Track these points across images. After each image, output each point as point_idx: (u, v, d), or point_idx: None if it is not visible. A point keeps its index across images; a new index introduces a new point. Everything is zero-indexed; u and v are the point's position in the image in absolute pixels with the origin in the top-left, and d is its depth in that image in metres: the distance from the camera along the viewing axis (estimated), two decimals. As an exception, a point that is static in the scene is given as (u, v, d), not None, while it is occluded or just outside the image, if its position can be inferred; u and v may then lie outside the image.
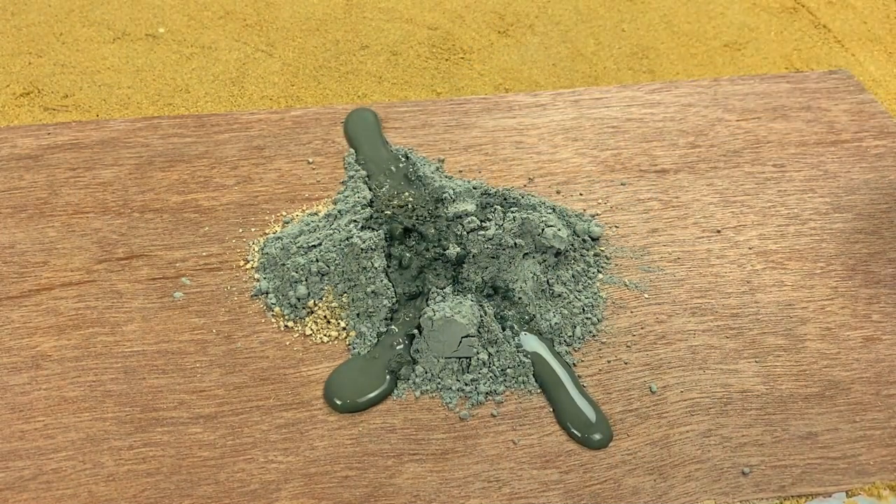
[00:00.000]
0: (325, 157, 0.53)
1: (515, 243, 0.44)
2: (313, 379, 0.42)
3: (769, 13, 0.75)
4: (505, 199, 0.48)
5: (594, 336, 0.44)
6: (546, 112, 0.57)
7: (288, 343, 0.43)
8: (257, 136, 0.54)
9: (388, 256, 0.44)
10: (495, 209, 0.46)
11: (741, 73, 0.68)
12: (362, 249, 0.43)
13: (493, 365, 0.42)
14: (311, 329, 0.43)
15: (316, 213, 0.48)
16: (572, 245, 0.46)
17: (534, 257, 0.44)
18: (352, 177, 0.50)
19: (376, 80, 0.65)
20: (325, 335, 0.43)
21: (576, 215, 0.49)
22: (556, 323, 0.44)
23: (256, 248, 0.47)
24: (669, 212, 0.51)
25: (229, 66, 0.65)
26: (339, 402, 0.40)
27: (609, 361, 0.43)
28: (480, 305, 0.43)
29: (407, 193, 0.48)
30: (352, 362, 0.42)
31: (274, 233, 0.48)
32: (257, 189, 0.50)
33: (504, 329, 0.43)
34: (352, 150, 0.53)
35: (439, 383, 0.41)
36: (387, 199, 0.47)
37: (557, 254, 0.45)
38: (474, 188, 0.49)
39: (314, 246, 0.45)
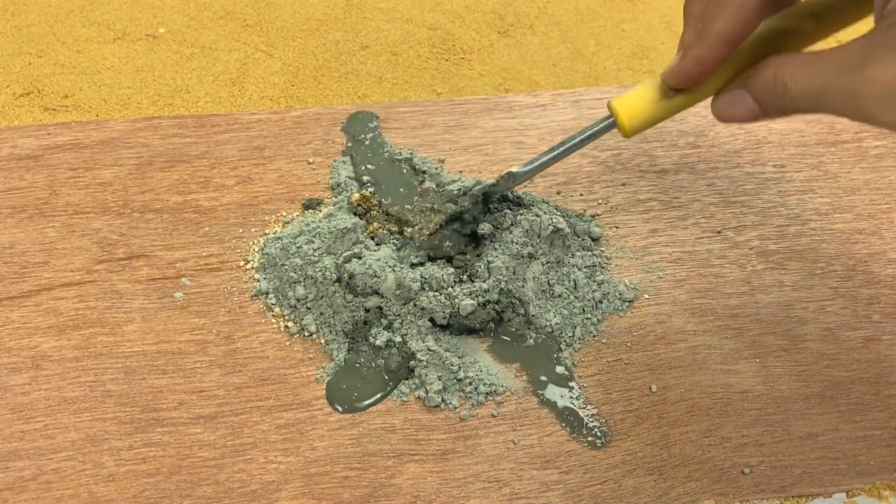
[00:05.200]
0: (325, 157, 0.52)
1: (528, 253, 0.44)
2: (313, 379, 0.42)
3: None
4: (505, 198, 0.48)
5: (594, 336, 0.44)
6: (546, 112, 0.57)
7: (288, 343, 0.43)
8: (257, 136, 0.54)
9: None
10: (505, 214, 0.45)
11: (741, 73, 0.68)
12: (325, 277, 0.43)
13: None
14: (312, 329, 0.43)
15: (316, 213, 0.48)
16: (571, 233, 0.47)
17: (537, 259, 0.45)
18: (339, 184, 0.50)
19: (376, 81, 0.65)
20: (325, 335, 0.43)
21: (576, 215, 0.49)
22: (556, 323, 0.44)
23: (256, 249, 0.47)
24: (669, 212, 0.51)
25: (229, 66, 0.65)
26: (339, 408, 0.40)
27: (609, 362, 0.43)
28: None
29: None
30: (350, 364, 0.42)
31: (274, 233, 0.48)
32: (257, 189, 0.50)
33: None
34: (345, 158, 0.52)
35: (440, 383, 0.41)
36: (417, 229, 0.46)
37: (562, 244, 0.45)
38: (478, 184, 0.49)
39: (315, 249, 0.45)
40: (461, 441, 0.40)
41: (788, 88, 0.31)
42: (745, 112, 0.34)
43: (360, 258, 0.43)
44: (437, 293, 0.42)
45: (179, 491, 0.37)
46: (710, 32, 0.33)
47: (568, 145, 0.41)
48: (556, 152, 0.42)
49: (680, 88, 0.36)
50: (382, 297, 0.42)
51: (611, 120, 0.39)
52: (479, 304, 0.42)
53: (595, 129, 0.40)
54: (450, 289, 0.43)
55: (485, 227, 0.44)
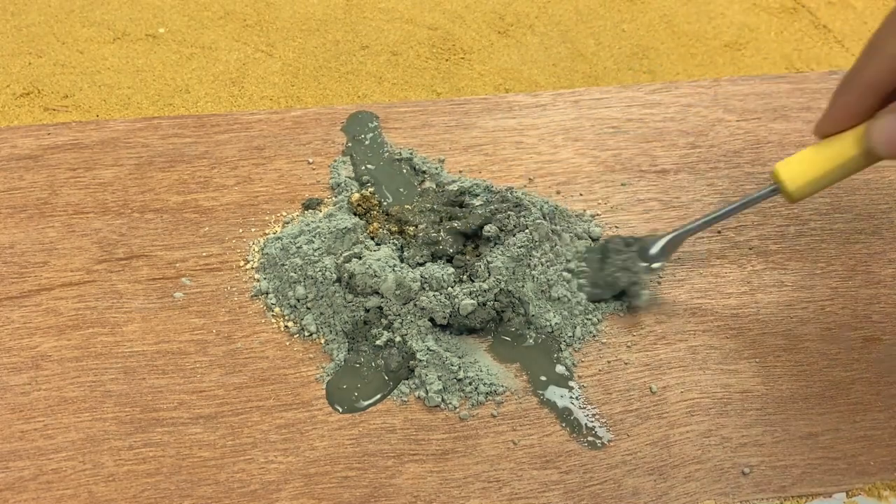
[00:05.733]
0: (325, 157, 0.52)
1: (529, 255, 0.44)
2: (313, 379, 0.42)
3: (769, 13, 0.75)
4: (505, 199, 0.48)
5: (594, 336, 0.44)
6: (546, 112, 0.57)
7: (288, 343, 0.43)
8: (257, 136, 0.54)
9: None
10: (509, 216, 0.45)
11: (741, 73, 0.68)
12: (326, 277, 0.43)
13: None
14: (312, 329, 0.43)
15: (316, 213, 0.48)
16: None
17: (537, 259, 0.45)
18: (339, 184, 0.50)
19: (376, 80, 0.65)
20: (325, 335, 0.43)
21: (576, 215, 0.49)
22: (556, 323, 0.44)
23: (256, 249, 0.47)
24: (669, 212, 0.51)
25: (229, 66, 0.65)
26: (339, 408, 0.40)
27: (609, 362, 0.43)
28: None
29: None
30: (350, 364, 0.42)
31: (274, 233, 0.48)
32: (257, 189, 0.50)
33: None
34: (345, 158, 0.52)
35: (440, 383, 0.41)
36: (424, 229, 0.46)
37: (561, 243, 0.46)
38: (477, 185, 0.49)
39: (315, 249, 0.45)
40: (461, 441, 0.40)
41: None
42: None
43: (360, 258, 0.43)
44: (437, 293, 0.42)
45: (179, 491, 0.37)
46: (858, 80, 0.32)
47: (724, 211, 0.41)
48: (707, 218, 0.42)
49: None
50: (382, 297, 0.42)
51: (774, 186, 0.38)
52: (479, 303, 0.42)
53: (757, 195, 0.40)
54: (450, 289, 0.43)
55: (490, 230, 0.44)
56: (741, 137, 0.56)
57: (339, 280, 0.43)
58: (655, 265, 0.43)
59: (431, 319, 0.43)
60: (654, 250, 0.44)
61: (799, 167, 0.37)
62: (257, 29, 0.69)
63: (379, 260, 0.43)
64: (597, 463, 0.39)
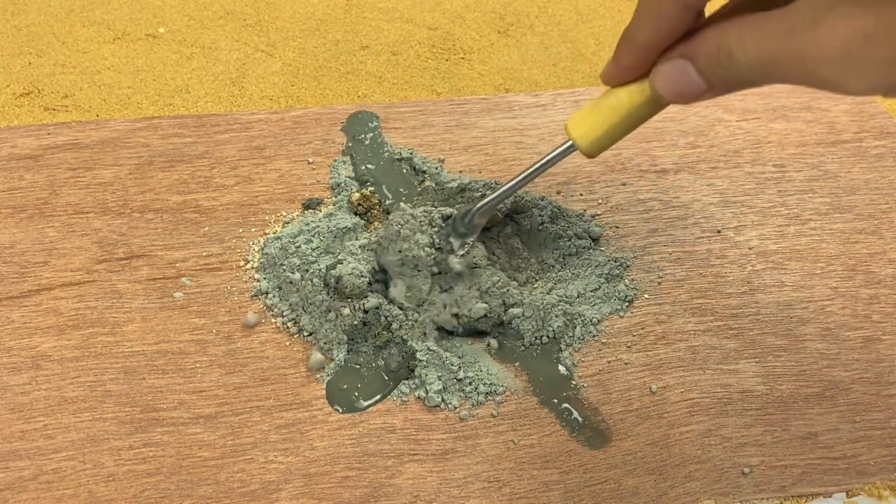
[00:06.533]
0: (325, 157, 0.52)
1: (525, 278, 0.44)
2: (313, 379, 0.42)
3: (769, 13, 0.75)
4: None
5: (594, 336, 0.44)
6: (546, 112, 0.57)
7: (288, 343, 0.43)
8: (257, 136, 0.54)
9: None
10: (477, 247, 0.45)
11: (741, 73, 0.68)
12: (314, 285, 0.43)
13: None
14: (311, 329, 0.43)
15: (316, 213, 0.48)
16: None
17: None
18: (339, 184, 0.50)
19: (376, 80, 0.65)
20: (325, 336, 0.43)
21: (576, 215, 0.49)
22: (557, 326, 0.44)
23: (256, 248, 0.47)
24: (669, 212, 0.51)
25: (229, 66, 0.65)
26: (339, 408, 0.40)
27: (609, 362, 0.43)
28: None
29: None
30: (349, 364, 0.42)
31: (274, 233, 0.48)
32: (257, 189, 0.50)
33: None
34: (345, 158, 0.52)
35: (440, 383, 0.41)
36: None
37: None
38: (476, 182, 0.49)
39: (314, 248, 0.45)
40: (461, 441, 0.40)
41: (734, 56, 0.28)
42: (689, 86, 0.30)
43: (342, 263, 0.43)
44: (446, 294, 0.42)
45: (179, 491, 0.37)
46: (635, 42, 0.32)
47: (525, 174, 0.40)
48: (509, 185, 0.41)
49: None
50: (380, 297, 0.42)
51: (569, 143, 0.37)
52: (490, 307, 0.42)
53: (554, 154, 0.38)
54: (458, 290, 0.43)
55: (456, 265, 0.43)
56: (741, 137, 0.56)
57: (326, 286, 0.43)
58: (469, 240, 0.43)
59: (440, 328, 0.43)
60: (463, 228, 0.43)
61: (588, 120, 0.36)
62: (257, 29, 0.69)
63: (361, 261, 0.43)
64: (597, 463, 0.39)
